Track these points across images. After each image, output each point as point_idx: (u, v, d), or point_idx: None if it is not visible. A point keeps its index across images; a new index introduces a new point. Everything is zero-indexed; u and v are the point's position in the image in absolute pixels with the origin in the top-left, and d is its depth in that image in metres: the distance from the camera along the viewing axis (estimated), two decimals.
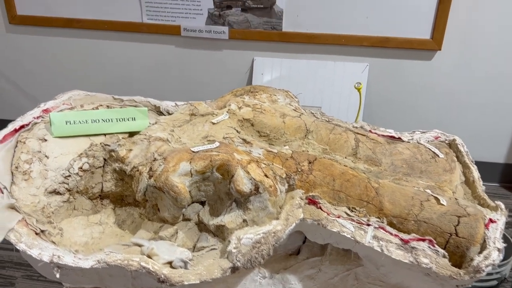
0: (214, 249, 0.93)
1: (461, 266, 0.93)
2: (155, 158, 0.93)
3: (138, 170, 0.94)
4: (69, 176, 0.98)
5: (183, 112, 1.13)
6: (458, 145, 1.30)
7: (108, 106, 1.31)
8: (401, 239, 0.94)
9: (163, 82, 2.29)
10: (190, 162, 0.89)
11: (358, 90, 1.71)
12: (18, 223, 0.86)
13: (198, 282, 0.82)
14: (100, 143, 1.05)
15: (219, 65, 2.21)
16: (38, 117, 1.14)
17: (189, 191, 0.90)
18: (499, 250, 0.90)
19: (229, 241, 0.87)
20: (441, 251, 0.92)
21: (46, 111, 1.18)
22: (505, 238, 1.47)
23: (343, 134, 1.25)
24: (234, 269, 0.85)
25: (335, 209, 0.99)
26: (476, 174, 1.22)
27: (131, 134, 1.17)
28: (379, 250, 0.91)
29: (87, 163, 1.00)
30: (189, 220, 0.97)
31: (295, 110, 1.32)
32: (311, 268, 1.09)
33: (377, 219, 0.98)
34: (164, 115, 1.42)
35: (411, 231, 0.97)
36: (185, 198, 0.88)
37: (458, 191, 1.21)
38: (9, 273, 1.80)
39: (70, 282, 0.92)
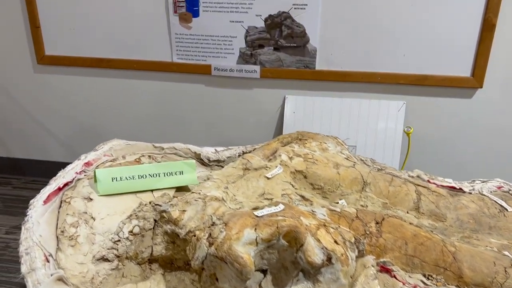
0: None
1: None
2: (213, 222, 0.85)
3: (195, 235, 0.86)
4: (119, 240, 0.90)
5: (236, 167, 1.06)
6: None
7: (150, 156, 1.25)
8: None
9: (194, 121, 2.23)
10: (255, 229, 0.80)
11: (408, 134, 1.63)
12: None
13: None
14: (150, 203, 0.97)
15: (250, 104, 2.15)
16: (80, 172, 1.07)
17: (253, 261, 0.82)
18: None
19: None
20: None
21: (87, 164, 1.12)
22: None
23: (403, 186, 1.17)
24: None
25: (410, 276, 0.90)
26: None
27: (179, 188, 1.10)
28: None
29: (138, 226, 0.92)
30: None
31: (347, 159, 1.24)
32: None
33: None
34: (205, 162, 1.35)
35: None
36: (251, 271, 0.79)
37: None
38: None
39: None
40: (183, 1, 2.00)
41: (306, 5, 1.93)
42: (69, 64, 2.22)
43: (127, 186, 1.01)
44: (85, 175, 1.06)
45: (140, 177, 1.03)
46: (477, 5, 1.83)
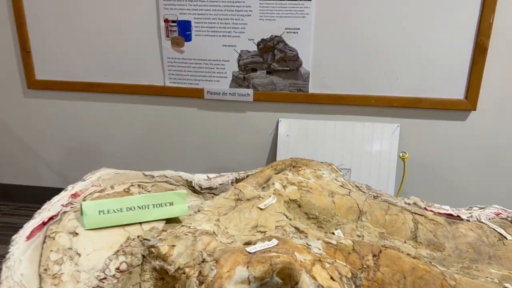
0: None
1: None
2: (204, 259, 0.82)
3: (184, 273, 0.82)
4: (105, 278, 0.86)
5: (228, 197, 1.02)
6: None
7: (140, 185, 1.21)
8: None
9: (187, 145, 2.21)
10: (248, 266, 0.77)
11: (403, 159, 1.61)
12: None
13: None
14: (138, 237, 0.94)
15: (243, 127, 2.13)
16: (67, 204, 1.03)
17: None
18: None
19: None
20: None
21: (74, 195, 1.08)
22: None
23: (400, 215, 1.14)
24: None
25: None
26: None
27: (169, 220, 1.06)
28: None
29: (125, 262, 0.88)
30: None
31: (342, 187, 1.22)
32: None
33: None
34: (196, 190, 1.32)
35: None
36: None
37: None
38: None
39: None
40: (175, 26, 1.99)
41: (299, 29, 1.93)
42: (60, 89, 2.19)
43: (114, 219, 0.98)
44: (71, 208, 1.03)
45: (128, 209, 1.00)
46: (469, 28, 1.84)
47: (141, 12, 2.00)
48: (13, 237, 0.90)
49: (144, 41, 2.05)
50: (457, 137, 2.00)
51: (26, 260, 0.85)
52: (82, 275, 0.86)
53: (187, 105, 2.14)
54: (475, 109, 1.93)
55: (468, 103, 1.93)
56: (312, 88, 2.03)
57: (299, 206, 1.10)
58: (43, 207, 1.02)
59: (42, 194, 1.41)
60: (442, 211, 1.21)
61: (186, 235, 0.89)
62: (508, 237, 1.12)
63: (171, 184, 1.30)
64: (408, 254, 1.02)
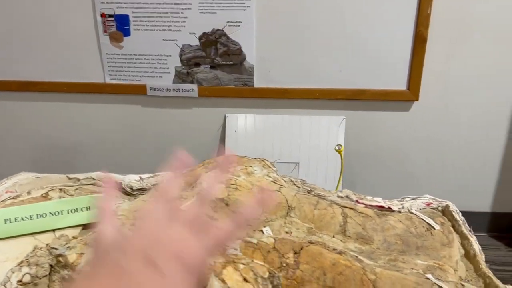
0: None
1: None
2: None
3: None
4: None
5: (146, 200, 0.98)
6: (453, 213, 1.19)
7: (61, 189, 1.15)
8: None
9: (130, 144, 2.14)
10: None
11: (339, 152, 1.60)
12: None
13: None
14: (47, 246, 0.88)
15: (190, 124, 2.09)
16: None
17: None
18: None
19: None
20: None
21: None
22: None
23: (329, 209, 1.13)
24: None
25: None
26: (477, 246, 1.11)
27: (87, 226, 1.01)
28: None
29: (29, 273, 0.83)
30: None
31: (274, 182, 1.19)
32: None
33: None
34: (127, 192, 1.27)
35: None
36: None
37: (460, 268, 1.08)
38: None
39: None
40: (113, 20, 1.92)
41: (241, 22, 1.89)
42: None
43: (23, 227, 0.91)
44: None
45: (39, 216, 0.94)
46: (408, 19, 1.85)
47: (76, 6, 1.91)
48: None
49: (81, 36, 1.97)
50: (402, 128, 2.03)
51: None
52: None
53: (130, 102, 2.07)
54: (417, 100, 1.96)
55: (410, 93, 1.95)
56: (258, 82, 2.00)
57: (227, 205, 1.07)
58: None
59: None
60: (373, 203, 1.21)
61: None
62: (436, 227, 1.13)
63: (99, 186, 1.24)
64: (334, 249, 1.00)
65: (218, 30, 1.91)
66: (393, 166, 2.07)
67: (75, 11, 1.91)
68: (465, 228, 1.15)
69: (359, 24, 1.86)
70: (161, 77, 2.00)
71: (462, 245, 1.13)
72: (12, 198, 1.06)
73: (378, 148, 2.05)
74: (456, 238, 1.13)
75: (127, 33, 1.94)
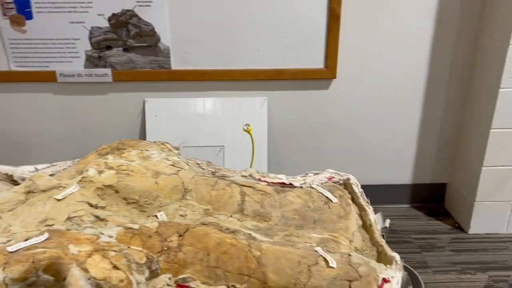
0: None
1: None
2: None
3: None
4: None
5: (17, 191, 0.91)
6: (352, 185, 1.22)
7: None
8: None
9: (45, 134, 2.02)
10: (4, 268, 0.68)
11: (248, 132, 1.59)
12: None
13: None
14: None
15: (107, 110, 1.99)
16: None
17: None
18: None
19: None
20: None
21: None
22: (414, 278, 1.40)
23: (227, 189, 1.11)
24: None
25: None
26: (372, 216, 1.14)
27: None
28: None
29: None
30: None
31: (173, 166, 1.16)
32: None
33: None
34: (19, 183, 1.19)
35: None
36: None
37: (356, 238, 1.11)
38: None
39: None
40: (12, 2, 1.78)
41: (151, 2, 1.81)
42: None
43: None
44: None
45: None
46: None
47: None
48: None
49: None
50: (322, 106, 2.04)
51: None
52: None
53: (39, 90, 1.95)
54: (335, 77, 1.98)
55: (328, 71, 1.96)
56: (175, 65, 1.94)
57: (117, 191, 1.02)
58: None
59: None
60: (275, 181, 1.21)
61: None
62: (334, 200, 1.14)
63: None
64: (227, 229, 0.99)
65: (128, 10, 1.82)
66: (316, 144, 2.09)
67: None
68: (363, 200, 1.17)
69: (274, 3, 1.83)
70: (71, 62, 1.89)
71: (360, 216, 1.16)
72: None
73: (301, 127, 2.06)
74: (354, 210, 1.16)
75: (29, 16, 1.80)
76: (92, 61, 1.90)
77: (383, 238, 1.65)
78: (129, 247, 0.81)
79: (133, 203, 1.03)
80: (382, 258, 1.00)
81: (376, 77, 1.99)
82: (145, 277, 0.79)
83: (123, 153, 1.12)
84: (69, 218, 0.85)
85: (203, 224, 0.99)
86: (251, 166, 1.65)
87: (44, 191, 0.92)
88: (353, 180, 1.22)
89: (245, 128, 1.55)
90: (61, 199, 0.90)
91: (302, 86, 2.01)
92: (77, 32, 1.84)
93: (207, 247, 0.87)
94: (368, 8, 1.88)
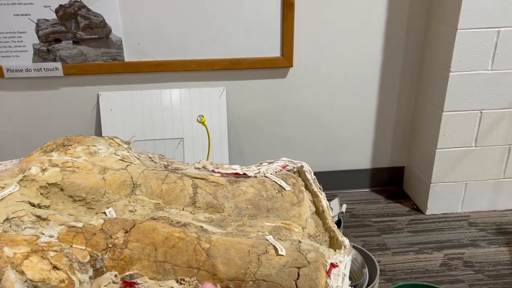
0: None
1: None
2: None
3: None
4: None
5: None
6: (306, 172, 1.22)
7: None
8: None
9: None
10: None
11: (203, 123, 1.57)
12: None
13: None
14: None
15: (59, 106, 1.93)
16: None
17: None
18: None
19: None
20: None
21: None
22: (370, 261, 1.43)
23: (178, 182, 1.09)
24: None
25: (160, 285, 0.82)
26: (325, 202, 1.15)
27: None
28: None
29: None
30: None
31: (122, 160, 1.13)
32: None
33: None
34: None
35: None
36: None
37: (309, 224, 1.12)
38: None
39: None
40: None
41: None
42: None
43: None
44: None
45: None
46: None
47: None
48: None
49: None
50: (280, 94, 2.05)
51: None
52: None
53: None
54: (292, 66, 1.98)
55: (284, 60, 1.96)
56: (128, 56, 1.89)
57: (62, 189, 0.99)
58: None
59: None
60: (229, 171, 1.20)
61: None
62: (287, 188, 1.15)
63: None
64: (178, 222, 0.98)
65: (76, 1, 1.75)
66: (276, 132, 2.10)
67: None
68: (316, 186, 1.18)
69: None
70: (18, 56, 1.81)
71: (313, 202, 1.17)
72: None
73: (261, 116, 2.06)
74: (307, 197, 1.17)
75: None
76: (41, 55, 1.82)
77: (341, 222, 1.68)
78: (71, 246, 0.78)
79: (80, 200, 1.00)
80: (333, 243, 1.02)
81: (332, 64, 2.01)
82: (89, 276, 0.77)
83: (69, 149, 1.08)
84: (7, 220, 0.82)
85: (153, 219, 0.98)
86: (207, 158, 1.63)
87: None
88: (306, 167, 1.23)
89: (199, 119, 1.53)
90: None
91: (259, 75, 2.00)
92: (22, 25, 1.76)
93: (154, 242, 0.85)
94: None
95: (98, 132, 2.01)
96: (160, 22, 1.84)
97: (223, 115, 2.02)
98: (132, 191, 1.05)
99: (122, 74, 1.92)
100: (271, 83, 2.02)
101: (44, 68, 1.84)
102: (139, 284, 0.79)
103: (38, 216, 0.85)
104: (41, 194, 0.95)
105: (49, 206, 0.95)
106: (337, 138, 2.17)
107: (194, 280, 0.83)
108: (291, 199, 1.12)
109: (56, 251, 0.75)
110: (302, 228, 1.08)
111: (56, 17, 1.77)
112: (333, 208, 1.64)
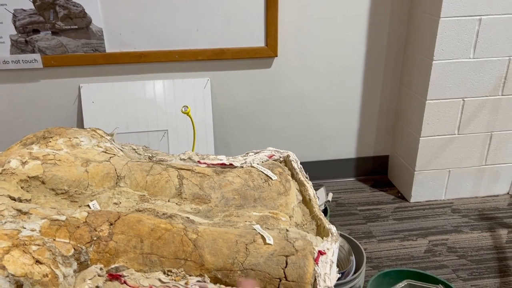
0: None
1: None
2: None
3: None
4: None
5: None
6: (292, 162, 1.22)
7: None
8: None
9: None
10: None
11: (187, 114, 1.55)
12: None
13: None
14: None
15: (39, 98, 1.88)
16: None
17: None
18: None
19: None
20: None
21: None
22: (356, 249, 1.44)
23: (164, 173, 1.08)
24: None
25: (147, 277, 0.81)
26: (311, 191, 1.15)
27: None
28: None
29: None
30: None
31: (105, 152, 1.11)
32: None
33: (198, 278, 0.82)
34: None
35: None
36: None
37: (296, 213, 1.12)
38: None
39: None
40: None
41: None
42: None
43: None
44: None
45: None
46: None
47: None
48: None
49: None
50: (265, 84, 2.04)
51: None
52: None
53: None
54: (276, 56, 1.97)
55: (269, 50, 1.95)
56: (109, 47, 1.85)
57: (43, 182, 0.96)
58: None
59: None
60: (216, 162, 1.19)
61: None
62: (274, 177, 1.14)
63: None
64: (164, 214, 0.96)
65: None
66: (261, 123, 2.09)
67: None
68: (302, 175, 1.18)
69: None
70: None
71: (300, 191, 1.17)
72: None
73: (246, 107, 2.05)
74: (293, 186, 1.16)
75: None
76: (19, 47, 1.77)
77: (327, 211, 1.69)
78: (54, 239, 0.77)
79: (62, 193, 0.98)
80: (320, 231, 1.02)
81: (317, 54, 2.00)
82: (73, 270, 0.75)
83: (50, 142, 1.05)
84: None
85: (138, 210, 0.96)
86: (193, 149, 1.62)
87: None
88: (293, 156, 1.23)
89: (183, 110, 1.51)
90: None
91: (244, 65, 1.99)
92: None
93: (140, 234, 0.84)
94: None
95: (80, 125, 1.97)
96: (141, 12, 1.80)
97: (208, 106, 2.00)
98: (116, 183, 1.03)
99: (103, 65, 1.88)
100: (256, 73, 2.01)
101: (23, 60, 1.79)
102: (125, 276, 0.78)
103: (19, 210, 0.83)
104: (21, 187, 0.93)
105: (30, 199, 0.92)
106: (322, 128, 2.17)
107: (182, 271, 0.82)
108: (278, 189, 1.12)
109: (38, 245, 0.73)
110: (289, 217, 1.08)
111: (33, 7, 1.72)
112: (319, 197, 1.65)
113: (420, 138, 1.96)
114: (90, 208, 0.98)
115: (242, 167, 1.20)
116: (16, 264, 0.67)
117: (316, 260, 0.83)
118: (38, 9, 1.72)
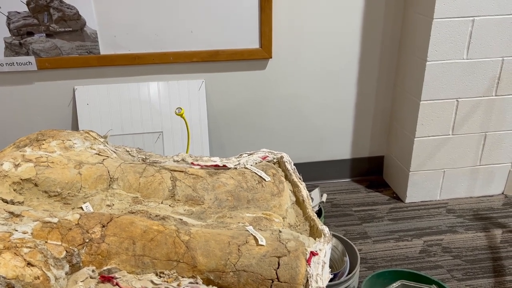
0: None
1: None
2: None
3: None
4: None
5: None
6: (286, 163, 1.22)
7: None
8: None
9: None
10: None
11: (181, 116, 1.55)
12: None
13: None
14: None
15: (34, 101, 1.88)
16: None
17: None
18: None
19: None
20: None
21: None
22: (350, 250, 1.45)
23: (157, 175, 1.08)
24: None
25: (139, 279, 0.81)
26: (305, 192, 1.15)
27: None
28: None
29: None
30: None
31: (98, 154, 1.11)
32: None
33: (191, 280, 0.82)
34: None
35: (232, 285, 0.84)
36: None
37: (289, 214, 1.12)
38: None
39: None
40: None
41: None
42: None
43: None
44: None
45: None
46: None
47: None
48: None
49: None
50: (260, 86, 2.04)
51: None
52: None
53: None
54: (271, 57, 1.97)
55: (263, 51, 1.95)
56: (104, 49, 1.85)
57: (36, 185, 0.96)
58: None
59: None
60: (209, 163, 1.19)
61: None
62: (267, 178, 1.15)
63: None
64: (157, 216, 0.97)
65: None
66: (256, 124, 2.09)
67: None
68: (296, 176, 1.18)
69: None
70: None
71: (293, 192, 1.17)
72: None
73: (240, 108, 2.05)
74: (287, 187, 1.17)
75: None
76: (13, 49, 1.77)
77: (322, 212, 1.69)
78: (46, 242, 0.77)
79: (55, 196, 0.98)
80: (314, 232, 1.02)
81: (311, 55, 2.01)
82: (65, 272, 0.75)
83: (43, 144, 1.05)
84: None
85: (131, 212, 0.96)
86: (187, 151, 1.62)
87: None
88: (286, 157, 1.23)
89: (177, 111, 1.51)
90: None
91: (239, 67, 1.99)
92: None
93: (132, 236, 0.84)
94: None
95: (75, 128, 1.97)
96: (136, 14, 1.81)
97: (202, 108, 2.00)
98: (109, 185, 1.03)
99: (98, 67, 1.88)
100: (251, 75, 2.01)
101: (17, 63, 1.79)
102: (118, 278, 0.78)
103: (11, 213, 0.83)
104: (14, 190, 0.93)
105: (23, 202, 0.92)
106: (317, 129, 2.18)
107: (174, 273, 0.82)
108: (271, 190, 1.12)
109: (30, 247, 0.73)
110: (283, 218, 1.08)
111: (27, 10, 1.72)
112: (313, 198, 1.65)
113: (415, 139, 1.97)
114: (83, 210, 0.98)
115: (236, 168, 1.20)
116: (8, 267, 0.67)
117: (308, 261, 0.84)
118: (32, 11, 1.72)
